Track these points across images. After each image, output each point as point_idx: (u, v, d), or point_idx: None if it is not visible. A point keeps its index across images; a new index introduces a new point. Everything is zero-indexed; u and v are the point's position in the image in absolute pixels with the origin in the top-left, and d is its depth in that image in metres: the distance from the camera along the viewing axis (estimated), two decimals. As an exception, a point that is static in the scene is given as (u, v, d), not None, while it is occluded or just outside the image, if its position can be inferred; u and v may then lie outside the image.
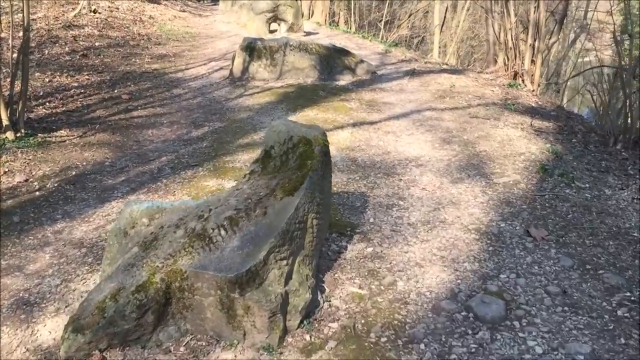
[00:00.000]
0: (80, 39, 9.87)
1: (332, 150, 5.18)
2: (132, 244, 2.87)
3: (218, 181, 4.42)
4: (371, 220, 3.76)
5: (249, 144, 5.33)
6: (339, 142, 5.37)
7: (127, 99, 7.04)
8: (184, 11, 18.89)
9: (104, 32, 10.90)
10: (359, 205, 3.98)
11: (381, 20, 23.41)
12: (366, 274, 3.14)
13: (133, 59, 9.47)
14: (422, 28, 28.97)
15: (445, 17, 22.58)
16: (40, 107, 6.33)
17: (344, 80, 8.32)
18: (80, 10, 11.64)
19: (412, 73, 8.81)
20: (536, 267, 3.18)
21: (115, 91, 7.39)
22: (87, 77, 7.85)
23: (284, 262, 2.65)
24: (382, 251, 3.33)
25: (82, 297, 2.90)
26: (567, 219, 3.81)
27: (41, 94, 6.77)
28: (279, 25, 13.68)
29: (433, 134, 5.65)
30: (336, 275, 3.13)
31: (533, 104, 7.47)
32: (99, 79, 7.89)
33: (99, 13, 12.35)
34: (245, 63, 8.46)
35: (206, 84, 8.17)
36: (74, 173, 4.73)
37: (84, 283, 3.12)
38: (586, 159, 5.14)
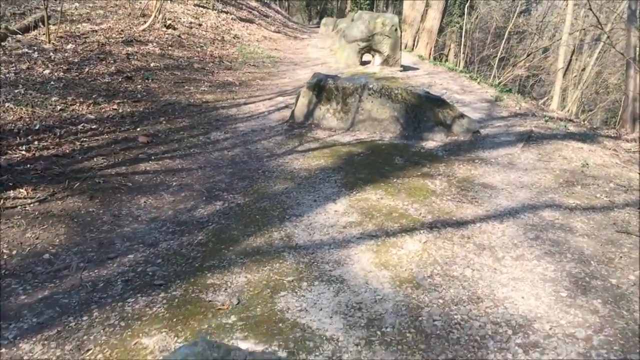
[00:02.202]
0: (136, 57, 8.56)
1: (385, 281, 3.21)
2: None
3: (165, 341, 2.55)
4: None
5: (258, 251, 3.46)
6: (399, 264, 3.36)
7: (144, 142, 5.46)
8: (278, 32, 17.66)
9: (168, 51, 9.59)
10: None
11: (495, 57, 20.95)
12: None
13: (186, 86, 8.00)
14: (540, 68, 26.05)
15: (570, 59, 19.75)
16: (22, 147, 4.86)
17: (434, 140, 6.29)
18: (151, 24, 10.47)
19: (528, 138, 6.60)
20: None
21: (138, 129, 5.85)
22: (114, 107, 6.40)
23: None
24: None
25: None
26: None
27: (37, 127, 5.34)
28: (373, 56, 11.88)
29: (557, 263, 3.50)
30: None
31: None
32: (128, 110, 6.42)
33: (174, 29, 11.15)
34: (311, 105, 6.69)
35: (257, 128, 6.45)
36: (-16, 272, 3.10)
37: None
38: None
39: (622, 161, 6.16)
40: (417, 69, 12.69)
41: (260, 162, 5.26)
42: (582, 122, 9.42)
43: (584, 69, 21.57)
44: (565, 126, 7.55)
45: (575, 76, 22.16)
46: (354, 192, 4.50)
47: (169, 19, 11.45)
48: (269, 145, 5.84)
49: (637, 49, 10.84)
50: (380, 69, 11.41)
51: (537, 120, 7.72)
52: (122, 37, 9.23)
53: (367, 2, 30.53)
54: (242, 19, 16.02)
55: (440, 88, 10.08)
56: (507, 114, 8.23)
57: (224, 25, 14.02)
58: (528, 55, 21.76)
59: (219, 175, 4.88)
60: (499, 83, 17.94)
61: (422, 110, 6.50)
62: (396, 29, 11.37)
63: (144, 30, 10.15)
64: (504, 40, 19.62)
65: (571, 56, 19.61)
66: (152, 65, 8.49)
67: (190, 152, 5.43)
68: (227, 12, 15.49)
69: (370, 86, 6.51)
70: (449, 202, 4.46)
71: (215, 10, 14.93)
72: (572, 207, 4.50)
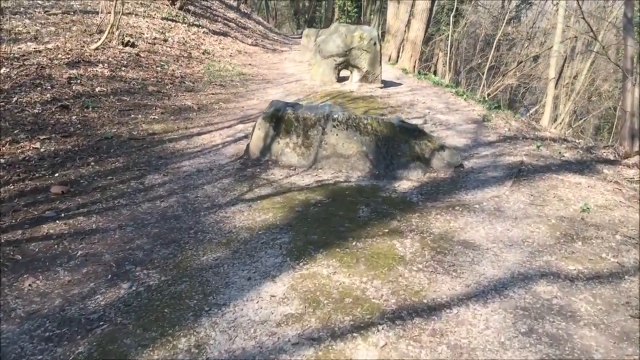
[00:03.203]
0: (79, 81, 7.63)
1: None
2: None
3: None
4: None
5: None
6: (342, 393, 2.45)
7: (57, 194, 4.54)
8: (255, 45, 16.79)
9: (120, 72, 8.66)
10: None
11: (484, 66, 20.15)
12: None
13: (133, 114, 7.08)
14: (531, 76, 25.28)
15: (562, 68, 18.95)
16: None
17: (409, 179, 5.40)
18: (105, 41, 9.53)
19: (518, 172, 5.73)
20: None
21: (56, 174, 4.93)
22: (36, 145, 5.47)
23: None
24: None
25: None
26: None
27: None
28: (351, 72, 10.99)
29: (558, 378, 2.60)
30: None
31: None
32: (53, 148, 5.50)
33: (134, 46, 10.23)
34: (268, 139, 5.79)
35: (204, 168, 5.55)
36: None
37: None
38: None
39: (626, 198, 5.31)
40: (400, 84, 11.83)
41: (196, 217, 4.34)
42: (577, 142, 8.56)
43: (575, 77, 20.79)
44: (559, 152, 6.69)
45: (567, 83, 21.38)
46: (301, 264, 3.59)
47: (128, 35, 10.53)
48: (212, 191, 4.93)
49: (635, 60, 10.01)
50: (359, 87, 10.54)
51: (529, 146, 6.87)
52: (68, 58, 8.30)
53: (355, 10, 29.80)
54: (215, 32, 15.13)
55: (423, 107, 9.23)
56: (496, 137, 7.38)
57: (193, 40, 13.12)
58: (518, 64, 20.96)
59: (140, 238, 3.96)
60: (488, 95, 17.13)
61: (396, 143, 5.61)
62: (375, 43, 10.50)
63: (96, 49, 9.22)
64: (493, 49, 18.82)
65: (563, 64, 18.82)
66: (97, 90, 7.56)
67: (113, 204, 4.50)
68: (199, 26, 14.59)
69: (335, 116, 5.62)
70: (420, 273, 3.55)
71: (186, 23, 14.03)
72: (573, 277, 3.61)
